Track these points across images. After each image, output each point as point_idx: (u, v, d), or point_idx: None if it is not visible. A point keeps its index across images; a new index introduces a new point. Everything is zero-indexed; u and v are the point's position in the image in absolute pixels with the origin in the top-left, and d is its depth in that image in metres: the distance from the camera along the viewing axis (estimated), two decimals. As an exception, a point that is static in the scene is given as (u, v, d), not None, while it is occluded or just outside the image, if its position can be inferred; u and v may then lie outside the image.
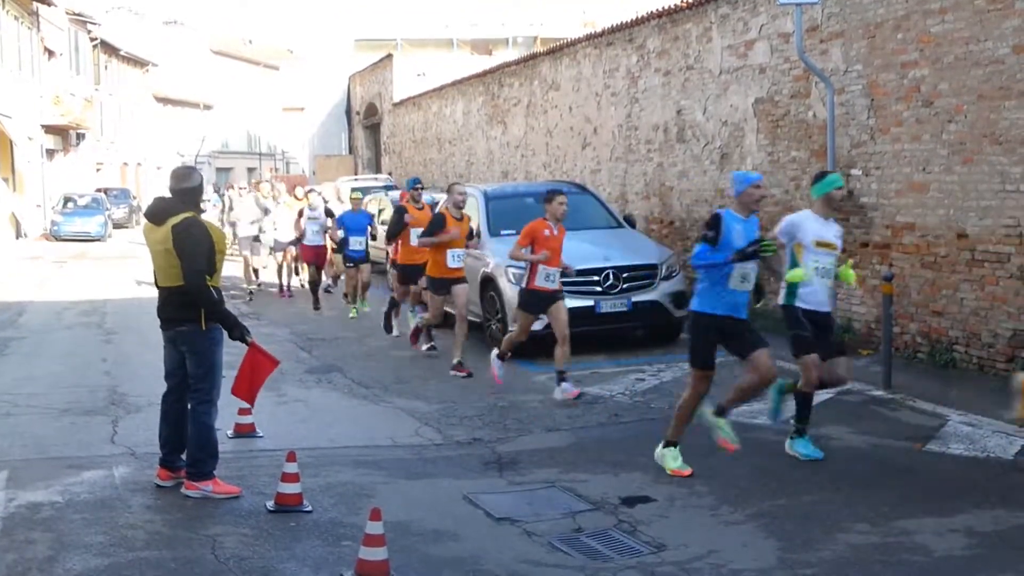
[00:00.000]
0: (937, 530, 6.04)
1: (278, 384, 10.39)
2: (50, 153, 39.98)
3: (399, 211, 12.86)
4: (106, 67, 47.83)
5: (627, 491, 6.93)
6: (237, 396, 7.27)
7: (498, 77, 24.52)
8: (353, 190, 18.68)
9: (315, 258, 17.32)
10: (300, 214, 17.42)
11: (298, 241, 17.55)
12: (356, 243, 15.74)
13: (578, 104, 19.52)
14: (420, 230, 11.75)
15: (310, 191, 18.89)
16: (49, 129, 39.18)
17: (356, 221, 15.88)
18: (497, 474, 7.50)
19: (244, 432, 8.48)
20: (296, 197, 19.19)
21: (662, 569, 5.58)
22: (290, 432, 8.63)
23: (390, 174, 33.54)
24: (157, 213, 6.86)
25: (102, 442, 8.41)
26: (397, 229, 12.70)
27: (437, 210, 11.85)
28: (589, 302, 11.54)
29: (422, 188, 13.39)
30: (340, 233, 15.96)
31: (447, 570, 5.59)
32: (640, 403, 9.57)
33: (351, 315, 15.67)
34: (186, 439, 6.90)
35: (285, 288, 18.84)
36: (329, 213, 17.26)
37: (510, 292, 11.61)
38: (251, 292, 18.59)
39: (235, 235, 19.66)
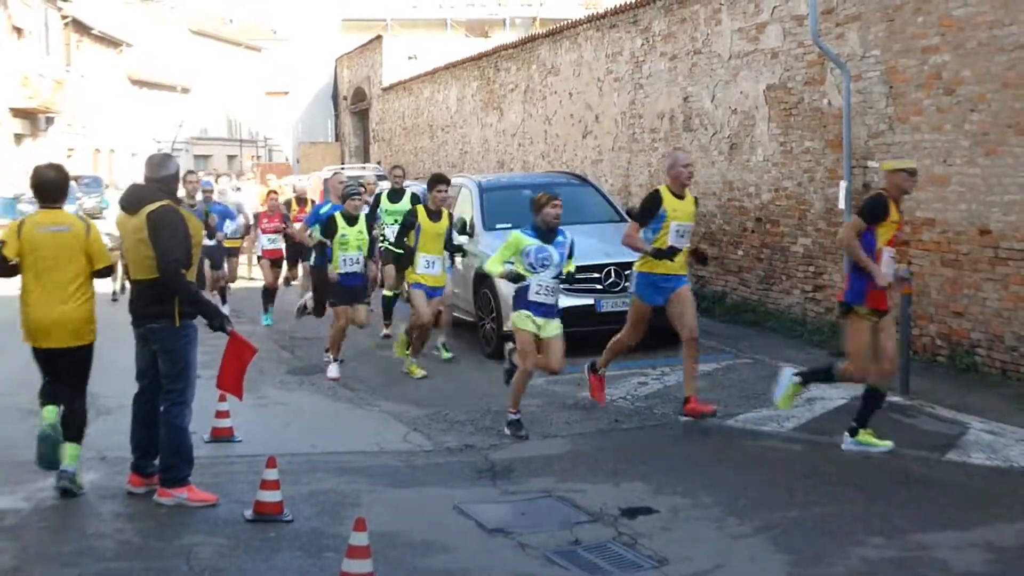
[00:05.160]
0: (956, 544, 6.05)
1: (258, 386, 10.39)
2: (18, 138, 39.89)
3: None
4: (78, 47, 47.65)
5: (628, 502, 6.93)
6: (224, 389, 7.21)
7: (494, 61, 24.51)
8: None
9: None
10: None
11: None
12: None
13: (579, 90, 19.51)
14: None
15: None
16: (17, 112, 39.08)
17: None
18: (490, 483, 7.50)
19: (221, 436, 8.49)
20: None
21: (664, 584, 5.59)
22: (270, 436, 8.63)
23: (379, 163, 33.50)
24: (132, 201, 6.88)
25: (70, 446, 8.38)
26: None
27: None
28: (589, 300, 11.54)
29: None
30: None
31: (436, 584, 5.59)
32: (642, 408, 9.57)
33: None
34: (159, 443, 6.89)
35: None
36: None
37: (505, 290, 11.60)
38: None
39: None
